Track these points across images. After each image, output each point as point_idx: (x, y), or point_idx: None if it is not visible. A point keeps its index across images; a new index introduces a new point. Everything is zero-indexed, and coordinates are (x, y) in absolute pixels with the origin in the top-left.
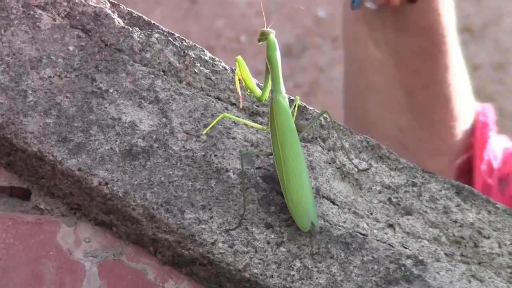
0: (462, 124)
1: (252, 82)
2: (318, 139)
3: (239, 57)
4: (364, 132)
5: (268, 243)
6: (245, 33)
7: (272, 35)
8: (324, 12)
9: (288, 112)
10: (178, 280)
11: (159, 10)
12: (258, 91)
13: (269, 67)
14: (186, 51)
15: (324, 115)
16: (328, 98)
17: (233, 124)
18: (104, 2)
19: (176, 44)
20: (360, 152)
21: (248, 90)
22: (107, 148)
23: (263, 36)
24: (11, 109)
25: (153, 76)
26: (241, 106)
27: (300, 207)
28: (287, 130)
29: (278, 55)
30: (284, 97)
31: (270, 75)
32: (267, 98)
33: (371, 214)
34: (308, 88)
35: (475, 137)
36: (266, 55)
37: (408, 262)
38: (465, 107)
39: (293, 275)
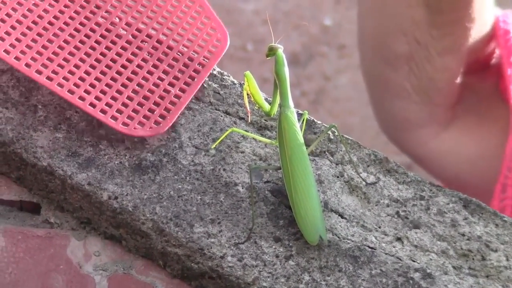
0: (479, 28)
1: (261, 97)
2: (327, 153)
3: (248, 72)
4: (382, 29)
5: (277, 256)
6: (251, 41)
7: (280, 50)
8: (330, 20)
9: (296, 127)
10: None
11: None
12: (267, 106)
13: (277, 82)
14: None
15: (332, 129)
16: (334, 106)
17: (242, 138)
18: None
19: None
20: (368, 166)
21: (257, 105)
22: (116, 162)
23: (271, 52)
24: (21, 124)
25: None
26: (249, 121)
27: (308, 221)
28: (295, 145)
29: (286, 70)
30: (292, 112)
31: (278, 90)
32: (275, 113)
33: (379, 227)
34: (315, 96)
35: (498, 44)
36: (274, 70)
37: (416, 275)
38: (485, 11)
39: None
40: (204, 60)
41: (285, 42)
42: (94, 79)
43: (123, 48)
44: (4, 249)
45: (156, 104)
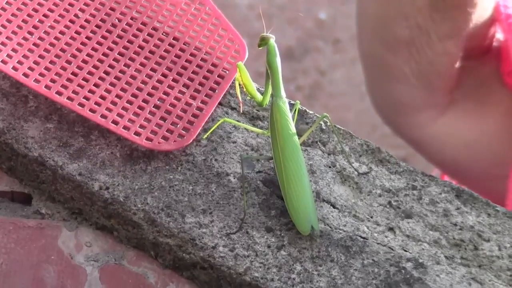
0: (480, 12)
1: (253, 87)
2: (318, 143)
3: (240, 63)
4: (383, 13)
5: (269, 246)
6: (246, 36)
7: (272, 40)
8: (325, 15)
9: (288, 117)
10: (179, 284)
11: None
12: (259, 96)
13: (269, 72)
14: None
15: (324, 119)
16: (329, 101)
17: (234, 128)
18: None
19: None
20: (360, 156)
21: (249, 95)
22: (108, 153)
23: (263, 41)
24: (12, 114)
25: None
26: (241, 111)
27: (300, 212)
28: (287, 135)
29: (278, 60)
30: (284, 102)
31: (270, 80)
32: (267, 103)
33: (371, 217)
34: (310, 90)
35: (502, 28)
36: (266, 60)
37: (409, 265)
38: None
39: (294, 279)
40: (224, 71)
41: (280, 37)
42: (115, 96)
43: (142, 64)
44: None
45: (179, 117)
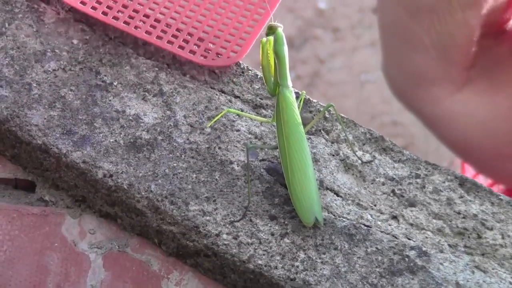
0: None
1: (270, 72)
2: (322, 131)
3: (263, 40)
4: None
5: (272, 234)
6: None
7: (280, 29)
8: (325, 3)
9: (294, 107)
10: (182, 271)
11: None
12: (271, 85)
13: (276, 61)
14: None
15: (329, 108)
16: (329, 89)
17: (237, 116)
18: None
19: None
20: (363, 144)
21: (264, 80)
22: (111, 140)
23: (271, 30)
24: (15, 102)
25: (157, 69)
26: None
27: (304, 203)
28: (293, 125)
29: (285, 49)
30: (290, 92)
31: (277, 69)
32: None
33: (375, 205)
34: (309, 79)
35: None
36: (274, 49)
37: (412, 253)
38: None
39: (297, 266)
40: None
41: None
42: (169, 18)
43: None
44: None
45: (231, 35)
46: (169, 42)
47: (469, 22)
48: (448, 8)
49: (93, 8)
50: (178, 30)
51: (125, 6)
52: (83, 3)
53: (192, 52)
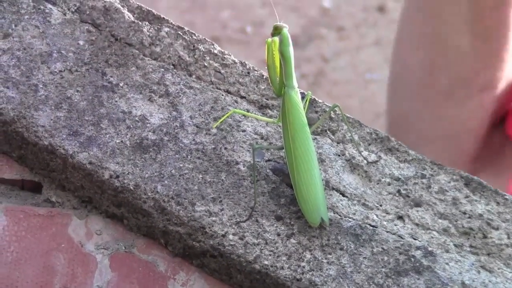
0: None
1: (276, 72)
2: (328, 131)
3: (269, 40)
4: (428, 63)
5: (279, 235)
6: (251, 23)
7: (286, 30)
8: (329, 2)
9: (300, 107)
10: (189, 272)
11: (165, 1)
12: (277, 85)
13: (281, 61)
14: (195, 45)
15: (335, 108)
16: (333, 88)
17: (243, 117)
18: None
19: (186, 38)
20: (369, 145)
21: (269, 81)
22: (117, 141)
23: (277, 31)
24: (22, 103)
25: (163, 70)
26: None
27: (310, 203)
28: (298, 125)
29: (291, 49)
30: (296, 92)
31: (282, 70)
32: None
33: (381, 206)
34: (314, 78)
35: None
36: (279, 49)
37: (418, 253)
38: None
39: (303, 267)
40: None
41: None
42: None
43: None
44: (6, 227)
45: None
46: None
47: (485, 105)
48: (466, 91)
49: None
50: None
51: None
52: None
53: None
